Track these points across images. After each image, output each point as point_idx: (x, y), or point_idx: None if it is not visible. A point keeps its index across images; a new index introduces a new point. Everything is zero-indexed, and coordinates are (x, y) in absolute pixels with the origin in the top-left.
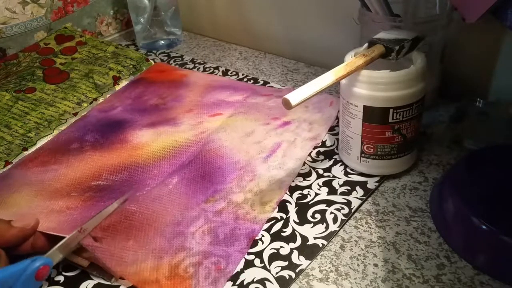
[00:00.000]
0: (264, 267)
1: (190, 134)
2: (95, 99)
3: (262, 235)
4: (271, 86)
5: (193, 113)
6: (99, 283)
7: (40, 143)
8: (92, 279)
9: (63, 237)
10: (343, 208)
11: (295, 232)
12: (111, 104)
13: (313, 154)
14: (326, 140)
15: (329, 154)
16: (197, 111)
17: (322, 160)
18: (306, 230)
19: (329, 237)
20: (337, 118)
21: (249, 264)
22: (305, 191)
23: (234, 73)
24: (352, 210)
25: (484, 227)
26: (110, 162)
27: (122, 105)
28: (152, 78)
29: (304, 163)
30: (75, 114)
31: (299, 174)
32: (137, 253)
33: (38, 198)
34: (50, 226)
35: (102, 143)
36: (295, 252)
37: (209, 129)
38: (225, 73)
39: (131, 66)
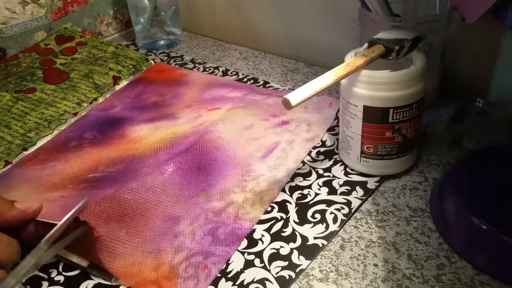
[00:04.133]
0: (264, 267)
1: (188, 127)
2: (95, 99)
3: (262, 235)
4: (271, 87)
5: (192, 108)
6: (99, 283)
7: (40, 143)
8: (92, 279)
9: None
10: (343, 208)
11: (295, 232)
12: (111, 103)
13: (313, 154)
14: (326, 140)
15: (329, 154)
16: (196, 106)
17: (322, 160)
18: (306, 230)
19: (329, 237)
20: (337, 118)
21: (249, 264)
22: (305, 191)
23: (234, 73)
24: (352, 210)
25: (484, 227)
26: (107, 156)
27: (122, 104)
28: (152, 78)
29: (304, 163)
30: (75, 114)
31: (299, 174)
32: (126, 245)
33: (35, 192)
34: (42, 212)
35: (100, 139)
36: (295, 252)
37: (208, 121)
38: (225, 73)
39: (131, 66)
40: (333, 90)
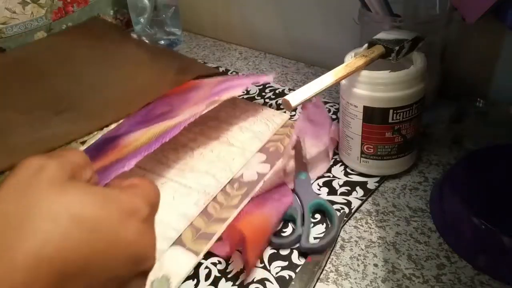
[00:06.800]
0: (264, 267)
1: (178, 120)
2: (107, 126)
3: None
4: (271, 87)
5: (196, 106)
6: None
7: None
8: None
9: None
10: (343, 208)
11: (295, 232)
12: (118, 127)
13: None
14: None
15: None
16: (202, 103)
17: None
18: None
19: None
20: (337, 118)
21: None
22: None
23: (234, 73)
24: (352, 210)
25: (484, 227)
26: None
27: (128, 123)
28: (170, 92)
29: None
30: (83, 143)
31: None
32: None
33: None
34: None
35: (95, 156)
36: (295, 252)
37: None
38: (225, 73)
39: None
40: (333, 91)
